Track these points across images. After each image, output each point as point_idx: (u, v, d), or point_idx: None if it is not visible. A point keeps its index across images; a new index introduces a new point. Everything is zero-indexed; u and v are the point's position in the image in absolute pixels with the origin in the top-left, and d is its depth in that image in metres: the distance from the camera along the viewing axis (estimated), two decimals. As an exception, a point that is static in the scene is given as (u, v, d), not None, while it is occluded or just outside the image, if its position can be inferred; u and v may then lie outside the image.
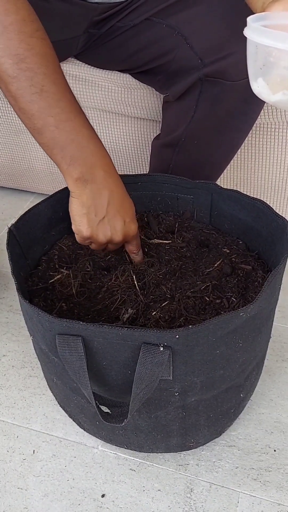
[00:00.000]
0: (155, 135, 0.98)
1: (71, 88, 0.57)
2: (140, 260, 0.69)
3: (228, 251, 0.70)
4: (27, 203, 1.23)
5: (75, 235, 0.63)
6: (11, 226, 0.65)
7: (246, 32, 0.48)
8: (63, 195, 0.72)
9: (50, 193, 0.72)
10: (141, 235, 0.72)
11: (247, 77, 0.74)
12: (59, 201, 0.72)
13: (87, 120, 0.58)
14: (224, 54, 0.70)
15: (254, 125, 0.89)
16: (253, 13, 0.52)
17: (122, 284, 0.64)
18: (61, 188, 0.72)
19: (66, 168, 0.57)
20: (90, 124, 0.59)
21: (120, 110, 0.96)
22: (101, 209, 0.60)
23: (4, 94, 0.56)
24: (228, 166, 0.97)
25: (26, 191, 1.25)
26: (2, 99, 1.06)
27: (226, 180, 1.01)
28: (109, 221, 0.61)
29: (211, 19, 0.72)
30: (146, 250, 0.70)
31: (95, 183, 0.59)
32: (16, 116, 1.07)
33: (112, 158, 1.07)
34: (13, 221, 0.67)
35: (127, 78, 0.90)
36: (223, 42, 0.70)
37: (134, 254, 0.68)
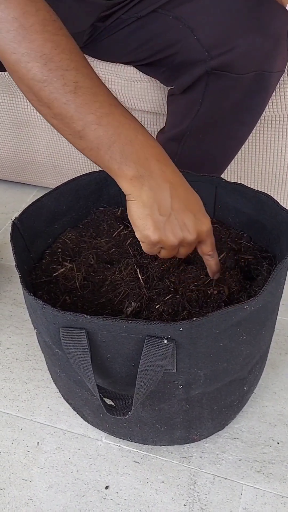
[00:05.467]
0: (159, 128, 0.97)
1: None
2: (217, 264, 0.60)
3: (232, 244, 0.70)
4: (30, 197, 1.23)
5: (142, 244, 0.56)
6: (14, 219, 0.65)
7: None
8: (66, 188, 0.72)
9: (53, 187, 0.72)
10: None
11: (254, 71, 0.74)
12: (62, 194, 0.72)
13: (127, 110, 0.53)
14: (231, 46, 0.70)
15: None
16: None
17: (126, 278, 0.64)
18: (64, 182, 0.72)
19: (117, 168, 0.50)
20: (132, 114, 0.53)
21: (124, 103, 0.95)
22: (165, 205, 0.52)
23: (35, 106, 0.51)
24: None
25: (29, 184, 1.25)
26: (5, 91, 1.05)
27: (231, 173, 1.01)
28: (176, 218, 0.53)
29: (219, 11, 0.71)
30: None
31: (153, 178, 0.51)
32: (19, 108, 1.07)
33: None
34: (17, 214, 0.66)
35: (130, 71, 0.90)
36: (230, 35, 0.70)
37: (209, 257, 0.59)
